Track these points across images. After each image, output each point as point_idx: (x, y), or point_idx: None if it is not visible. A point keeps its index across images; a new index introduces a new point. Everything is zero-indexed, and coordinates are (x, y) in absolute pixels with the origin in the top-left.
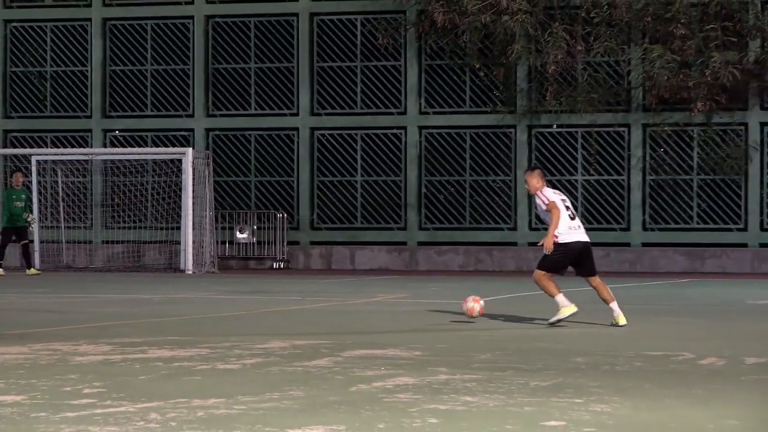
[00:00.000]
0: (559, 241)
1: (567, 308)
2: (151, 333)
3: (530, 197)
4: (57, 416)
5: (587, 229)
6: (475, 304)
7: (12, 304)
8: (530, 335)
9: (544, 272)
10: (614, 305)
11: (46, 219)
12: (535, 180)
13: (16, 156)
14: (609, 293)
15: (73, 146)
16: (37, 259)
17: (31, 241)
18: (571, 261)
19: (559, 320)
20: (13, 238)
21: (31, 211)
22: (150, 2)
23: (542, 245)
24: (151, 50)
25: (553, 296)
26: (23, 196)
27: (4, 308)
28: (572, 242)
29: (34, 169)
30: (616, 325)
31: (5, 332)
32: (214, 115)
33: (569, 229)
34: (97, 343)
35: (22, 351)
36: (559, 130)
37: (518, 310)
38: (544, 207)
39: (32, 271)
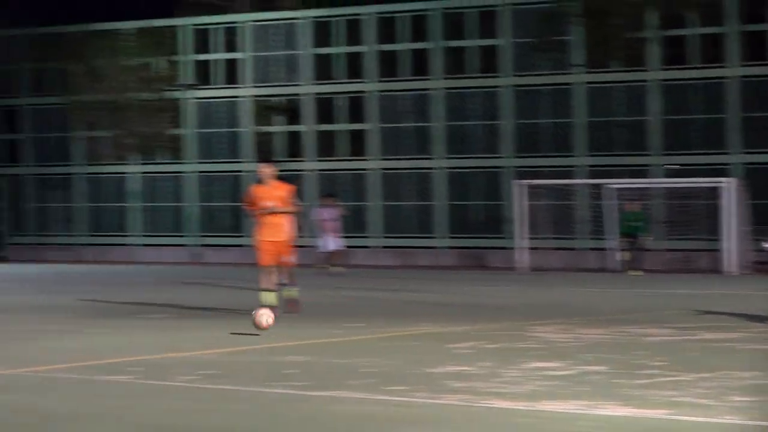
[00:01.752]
0: None
1: None
2: (701, 319)
3: None
4: (631, 382)
5: None
6: None
7: (600, 296)
8: None
9: None
10: None
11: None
12: None
13: (594, 185)
14: None
15: (635, 177)
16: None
17: (646, 249)
18: None
19: None
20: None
21: (649, 229)
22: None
23: None
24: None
25: None
26: (641, 216)
27: (591, 300)
28: None
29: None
30: None
31: (592, 318)
32: (750, 152)
33: None
34: (661, 327)
35: (603, 332)
36: None
37: None
38: None
39: (637, 272)
